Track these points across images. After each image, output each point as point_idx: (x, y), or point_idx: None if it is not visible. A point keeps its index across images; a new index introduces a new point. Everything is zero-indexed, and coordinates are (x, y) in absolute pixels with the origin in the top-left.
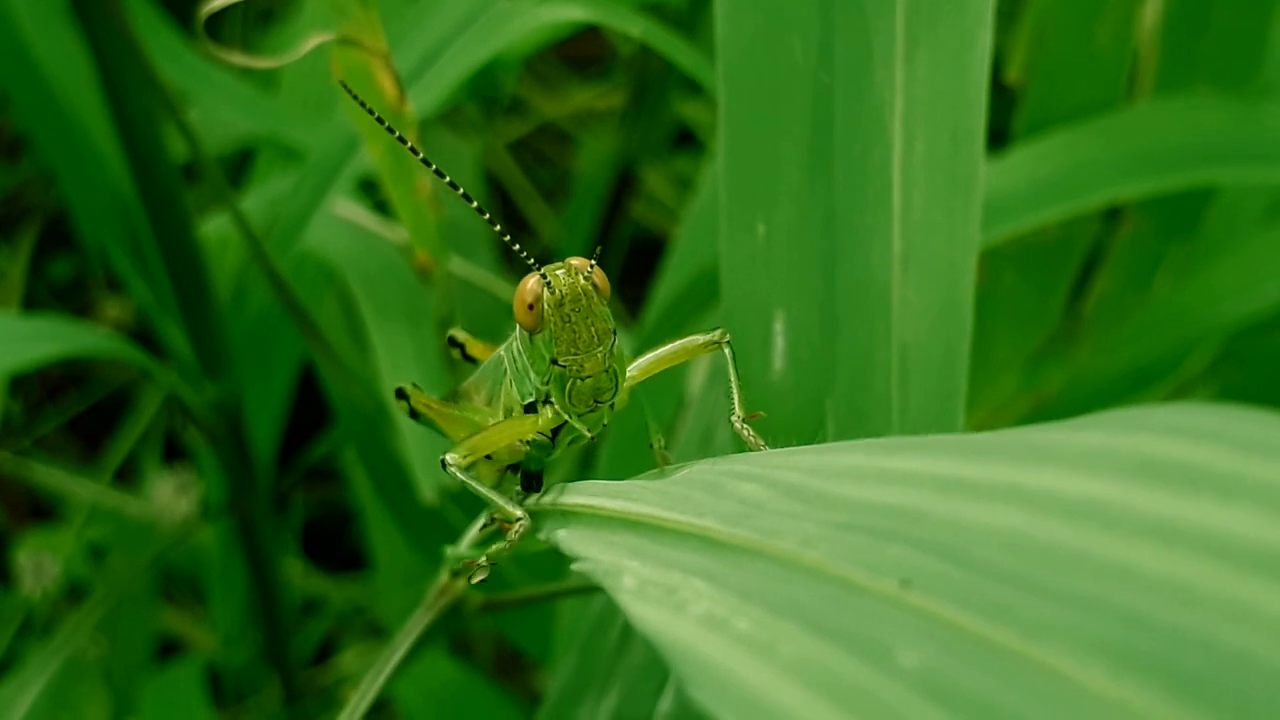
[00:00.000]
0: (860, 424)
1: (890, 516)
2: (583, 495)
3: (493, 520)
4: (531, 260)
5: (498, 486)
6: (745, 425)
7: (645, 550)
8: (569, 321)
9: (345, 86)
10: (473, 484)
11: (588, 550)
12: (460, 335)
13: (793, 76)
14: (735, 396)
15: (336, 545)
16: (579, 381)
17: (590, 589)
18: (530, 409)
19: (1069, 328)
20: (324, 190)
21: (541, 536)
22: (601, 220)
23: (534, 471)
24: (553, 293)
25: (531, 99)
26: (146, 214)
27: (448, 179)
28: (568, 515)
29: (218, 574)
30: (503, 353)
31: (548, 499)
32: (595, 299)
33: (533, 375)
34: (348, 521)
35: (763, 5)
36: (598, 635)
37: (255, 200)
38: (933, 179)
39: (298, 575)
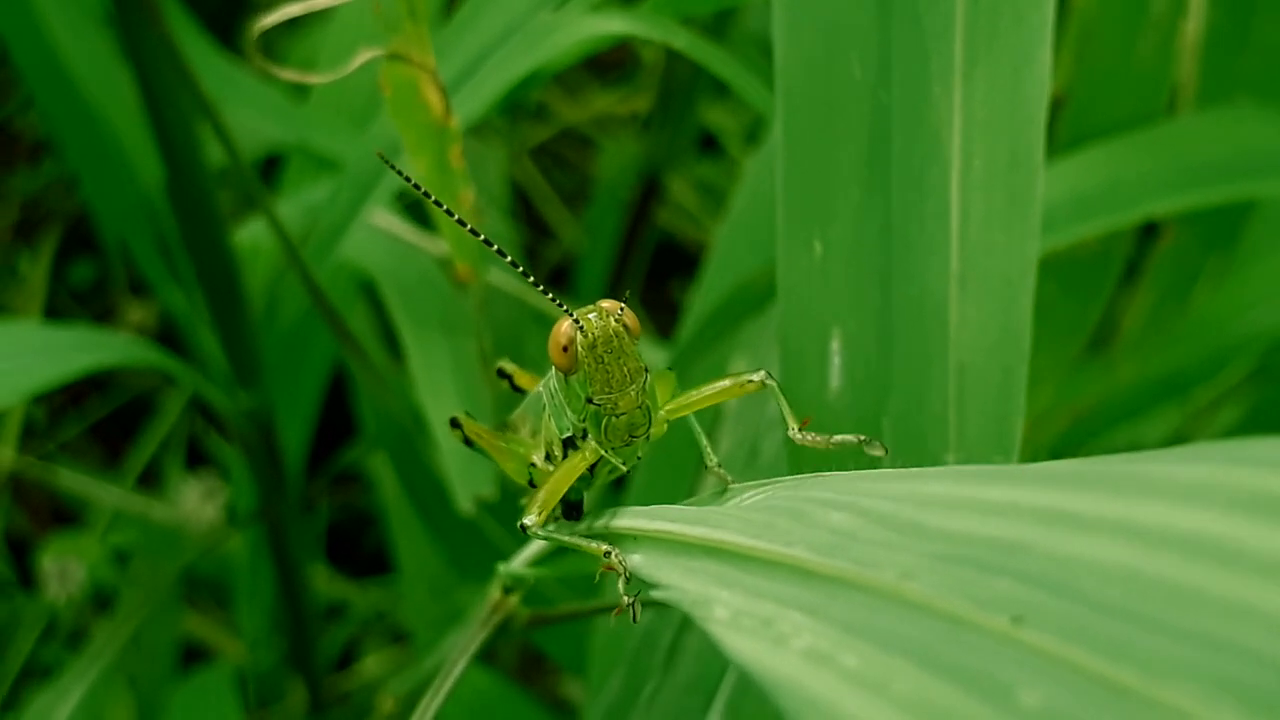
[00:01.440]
0: (917, 445)
1: (993, 549)
2: (649, 519)
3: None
4: (564, 306)
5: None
6: (805, 434)
7: (732, 579)
8: (602, 363)
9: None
10: (555, 537)
11: (668, 577)
12: (509, 367)
13: (851, 94)
14: (788, 415)
15: (357, 548)
16: (614, 419)
17: (649, 602)
18: (569, 443)
19: (1107, 340)
20: (362, 200)
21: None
22: (626, 226)
23: (574, 501)
24: (585, 336)
25: (553, 104)
26: (179, 219)
27: (482, 237)
28: (639, 540)
29: (245, 580)
30: (541, 389)
31: (601, 522)
32: (626, 340)
33: (569, 413)
34: (368, 524)
35: (822, 23)
36: (644, 652)
37: (290, 208)
38: (991, 197)
39: (322, 580)
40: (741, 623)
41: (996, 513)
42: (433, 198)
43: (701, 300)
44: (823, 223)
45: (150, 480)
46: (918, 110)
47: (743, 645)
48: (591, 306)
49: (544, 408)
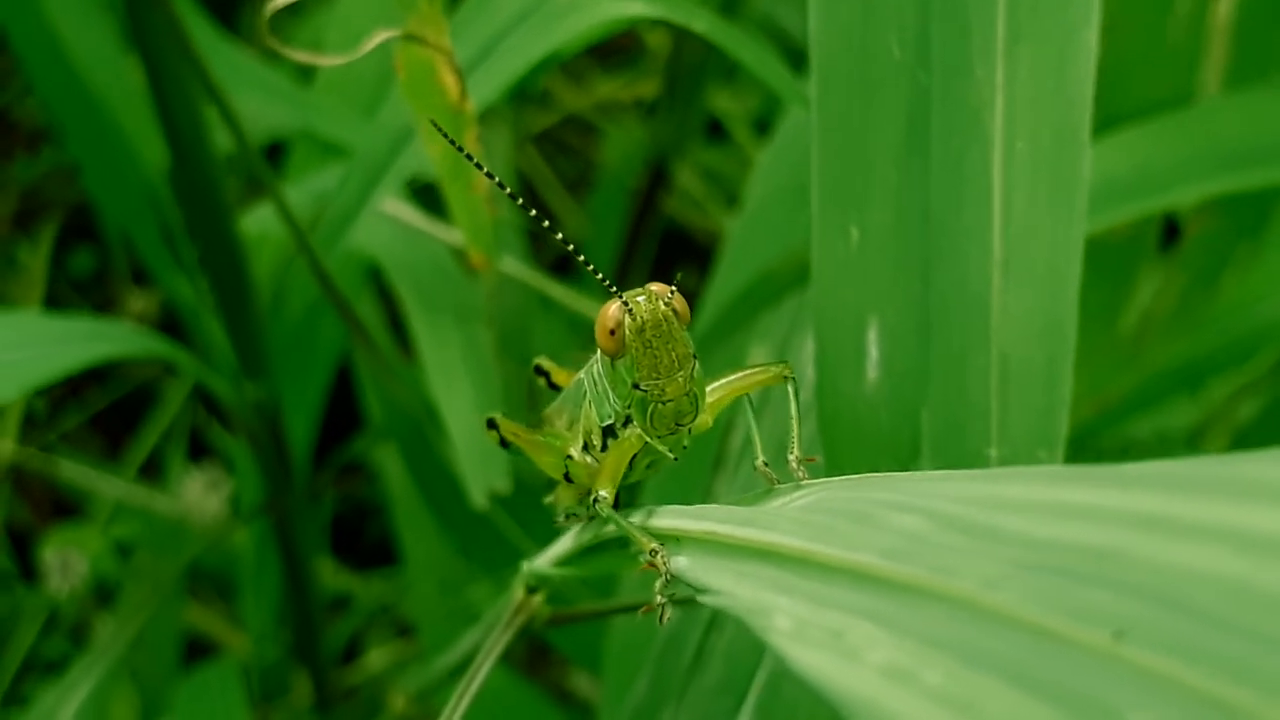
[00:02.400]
0: (957, 438)
1: (1083, 556)
2: (694, 520)
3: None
4: (614, 287)
5: (577, 509)
6: (802, 466)
7: (791, 585)
8: (650, 347)
9: (436, 125)
10: (618, 519)
11: (720, 582)
12: (546, 364)
13: (888, 75)
14: (795, 434)
15: (359, 538)
16: (660, 405)
17: (680, 601)
18: (609, 432)
19: (1135, 327)
20: (373, 186)
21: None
22: (632, 214)
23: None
24: (634, 319)
25: (557, 90)
26: (184, 207)
27: (533, 211)
28: (682, 541)
29: (251, 573)
30: (583, 376)
31: (635, 519)
32: (676, 324)
33: (614, 399)
34: (371, 514)
35: (859, 1)
36: (671, 652)
37: (298, 194)
38: (1035, 181)
39: (327, 572)
40: (808, 634)
41: (1082, 517)
42: (496, 179)
43: (718, 291)
44: (859, 208)
45: (152, 471)
46: (958, 90)
47: (812, 660)
48: (640, 289)
49: (584, 396)
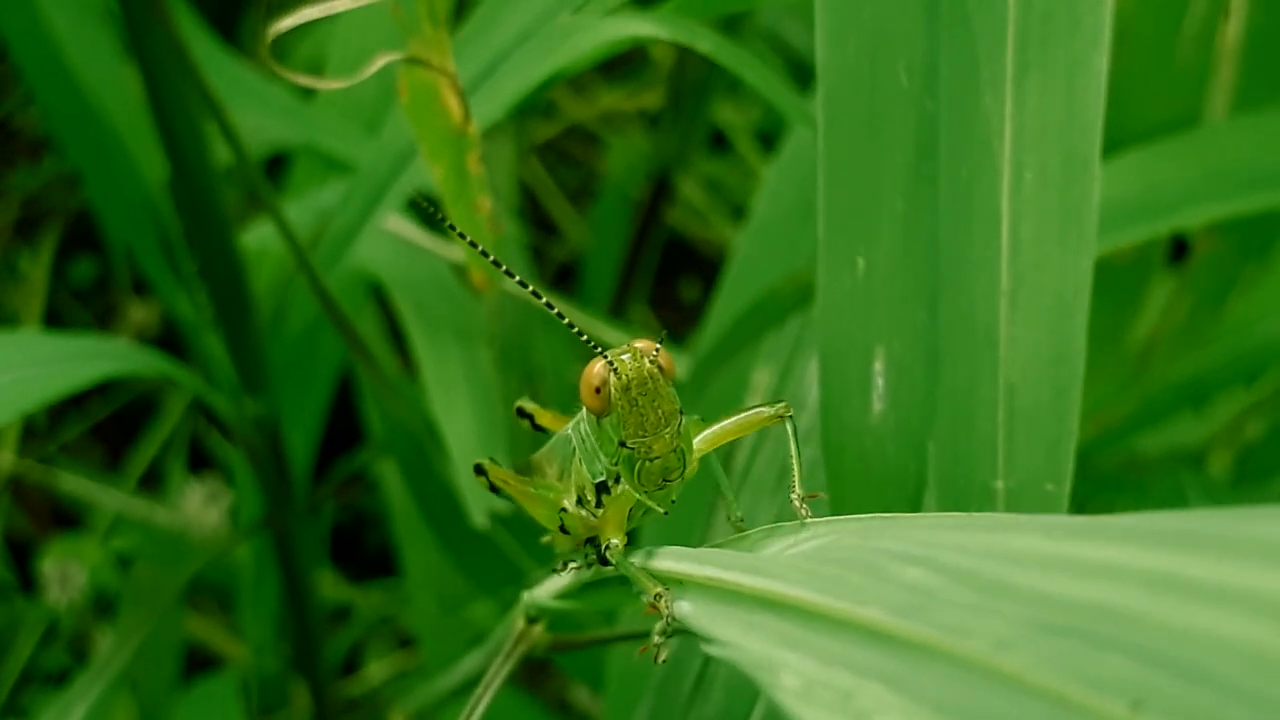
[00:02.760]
0: (964, 469)
1: (1099, 618)
2: (696, 564)
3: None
4: (596, 347)
5: (574, 556)
6: (804, 505)
7: (799, 640)
8: (636, 405)
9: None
10: (628, 566)
11: (725, 632)
12: (529, 406)
13: (896, 102)
14: (796, 472)
15: (359, 547)
16: (648, 462)
17: (673, 633)
18: (602, 488)
19: (1141, 346)
20: (375, 204)
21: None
22: (635, 225)
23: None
24: (619, 377)
25: (560, 101)
26: (184, 220)
27: (518, 278)
28: (685, 585)
29: (250, 587)
30: (570, 431)
31: (635, 560)
32: (661, 381)
33: (602, 457)
34: (371, 524)
35: (867, 28)
36: (671, 682)
37: (299, 211)
38: (1043, 210)
39: (327, 583)
40: (817, 694)
41: (1099, 574)
42: (476, 244)
43: (721, 310)
44: (866, 238)
45: (152, 482)
46: (966, 119)
47: None
48: (625, 346)
49: (573, 451)
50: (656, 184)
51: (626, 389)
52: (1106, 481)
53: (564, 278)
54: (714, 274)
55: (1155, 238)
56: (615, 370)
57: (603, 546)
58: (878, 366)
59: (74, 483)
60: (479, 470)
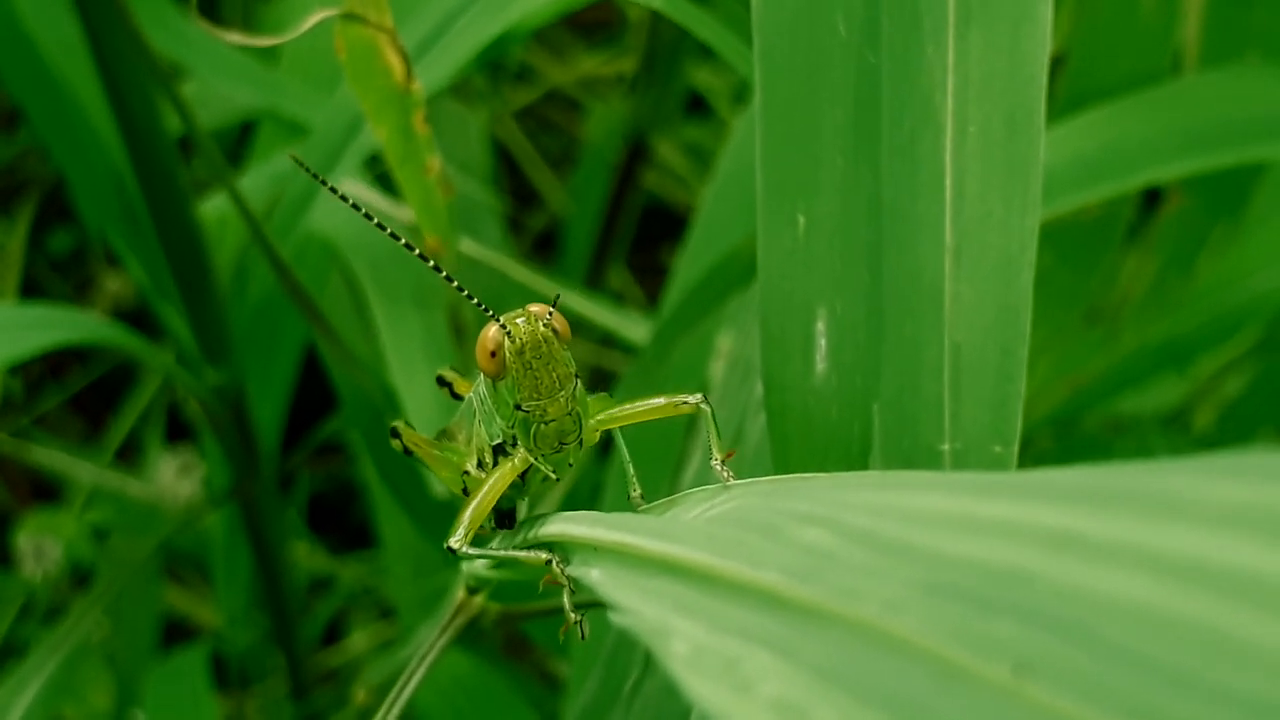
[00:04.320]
0: (909, 430)
1: (992, 579)
2: (607, 529)
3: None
4: (489, 310)
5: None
6: (726, 469)
7: (695, 606)
8: (530, 368)
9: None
10: (486, 553)
11: (627, 599)
12: (449, 375)
13: (835, 55)
14: (714, 443)
15: (343, 519)
16: (543, 425)
17: (600, 605)
18: (499, 450)
19: (1108, 310)
20: (328, 169)
21: (572, 572)
22: (613, 190)
23: (506, 510)
24: (513, 341)
25: (538, 65)
26: (142, 192)
27: (404, 240)
28: (599, 552)
29: (222, 559)
30: (471, 395)
31: (553, 528)
32: (555, 344)
33: (499, 420)
34: (354, 495)
35: None
36: (621, 650)
37: (256, 178)
38: (987, 165)
39: (304, 555)
40: (704, 661)
41: (996, 533)
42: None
43: (685, 272)
44: (806, 195)
45: (130, 453)
46: (908, 72)
47: (705, 691)
48: (520, 311)
49: (475, 415)
50: (632, 148)
51: (521, 352)
52: (1089, 444)
53: (544, 244)
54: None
55: (1122, 194)
56: (509, 334)
57: (445, 546)
58: (820, 326)
59: (49, 456)
60: (394, 433)
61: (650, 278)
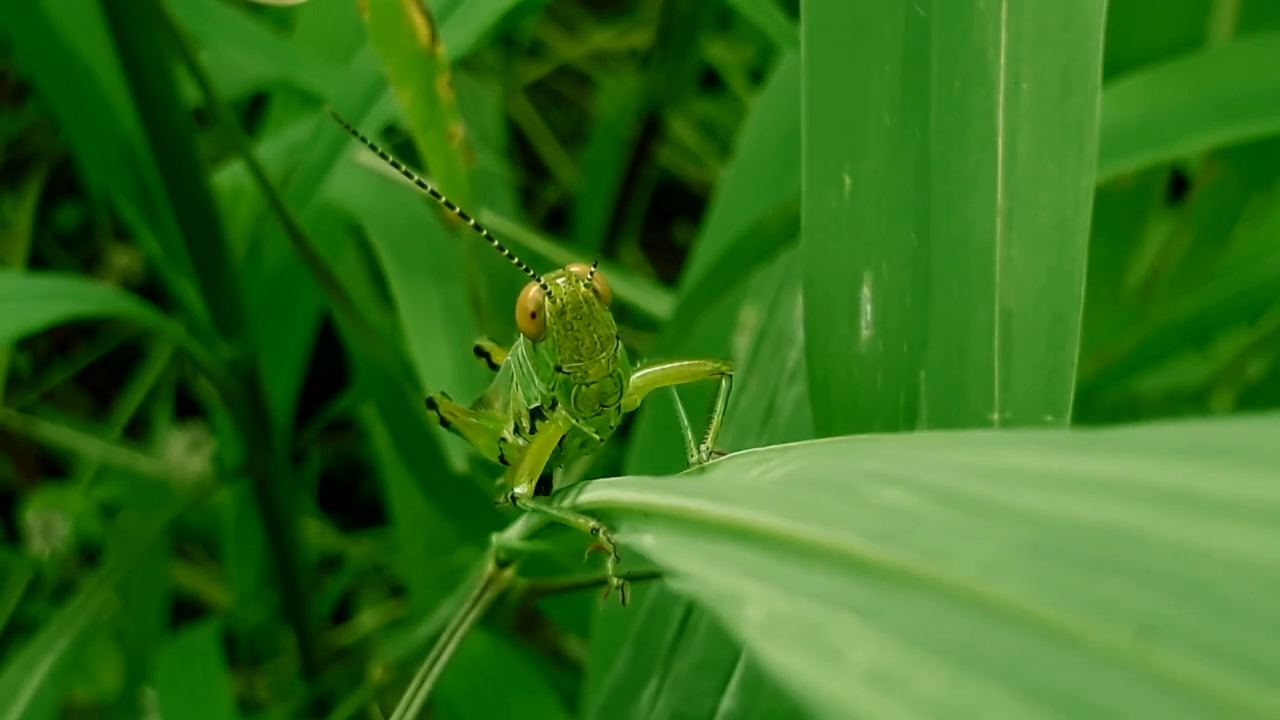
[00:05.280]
0: (957, 399)
1: (1099, 539)
2: (662, 494)
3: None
4: (530, 270)
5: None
6: (713, 455)
7: (766, 570)
8: (571, 329)
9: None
10: (545, 509)
11: (688, 564)
12: (486, 345)
13: (883, 9)
14: (713, 428)
15: (352, 496)
16: (584, 387)
17: (642, 576)
18: (537, 414)
19: (1141, 281)
20: (345, 138)
21: (621, 539)
22: (626, 166)
23: (544, 475)
24: (554, 301)
25: (550, 40)
26: (156, 162)
27: (430, 188)
28: (650, 517)
29: (233, 536)
30: (510, 359)
31: (598, 495)
32: (597, 305)
33: (538, 382)
34: (363, 472)
35: None
36: (652, 628)
37: (271, 148)
38: (1041, 124)
39: (314, 533)
40: (782, 628)
41: (1097, 491)
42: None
43: (708, 245)
44: (853, 155)
45: (139, 429)
46: (959, 26)
47: (787, 660)
48: (560, 271)
49: (512, 378)
50: (646, 123)
51: (562, 313)
52: (1108, 422)
53: (556, 220)
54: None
55: (1157, 164)
56: (550, 294)
57: (508, 494)
58: (865, 291)
59: (56, 432)
60: (430, 404)
61: (661, 254)
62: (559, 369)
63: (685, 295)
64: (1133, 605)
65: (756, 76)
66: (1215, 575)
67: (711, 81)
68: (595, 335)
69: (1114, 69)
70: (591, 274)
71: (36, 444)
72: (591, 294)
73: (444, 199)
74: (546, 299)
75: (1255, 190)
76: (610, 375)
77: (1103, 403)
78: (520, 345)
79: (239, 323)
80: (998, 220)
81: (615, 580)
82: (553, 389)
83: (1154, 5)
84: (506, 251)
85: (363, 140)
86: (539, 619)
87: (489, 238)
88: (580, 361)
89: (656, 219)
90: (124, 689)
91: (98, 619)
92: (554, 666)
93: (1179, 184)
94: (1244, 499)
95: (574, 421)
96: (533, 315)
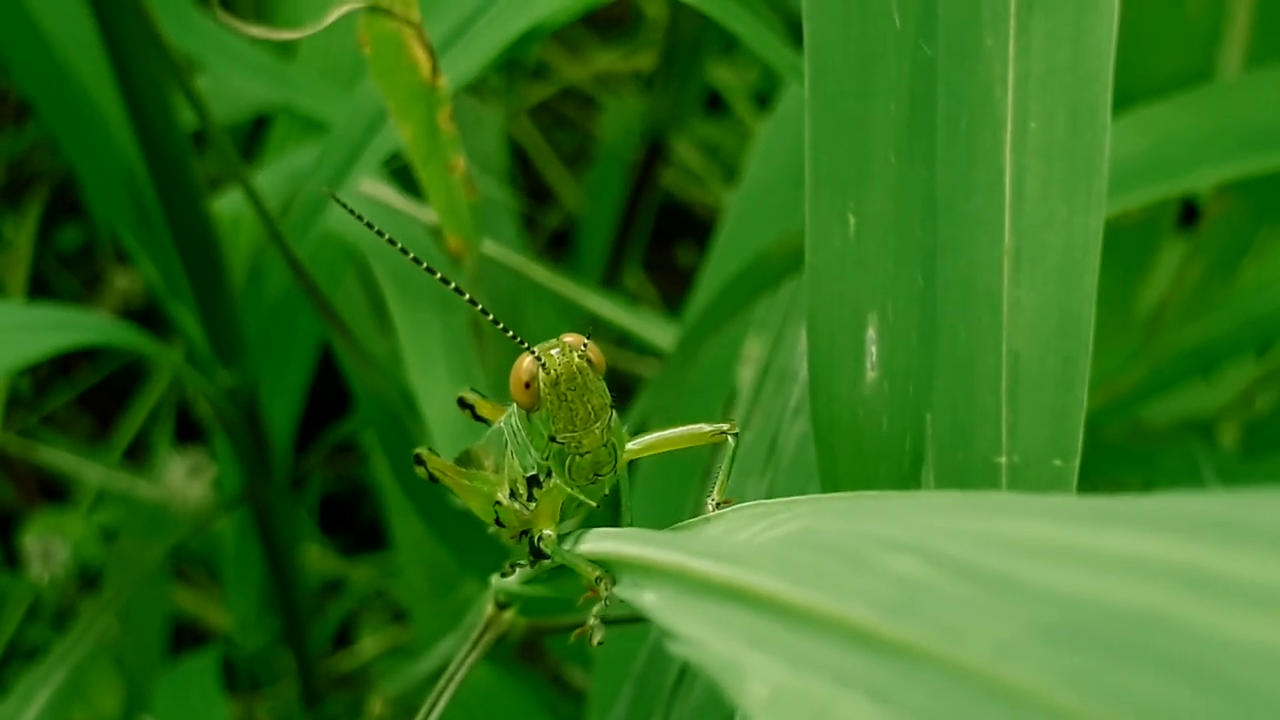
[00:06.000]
0: (964, 443)
1: (1117, 621)
2: (662, 549)
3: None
4: (523, 342)
5: (520, 557)
6: (719, 508)
7: (770, 639)
8: (565, 400)
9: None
10: (564, 553)
11: (690, 628)
12: (470, 397)
13: (889, 47)
14: (719, 483)
15: (354, 517)
16: (578, 457)
17: (622, 620)
18: (534, 481)
19: (1150, 313)
20: (348, 168)
21: (621, 593)
22: (629, 188)
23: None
24: (548, 372)
25: (553, 61)
26: (156, 189)
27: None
28: (651, 573)
29: (233, 562)
30: (503, 425)
31: (603, 545)
32: (590, 376)
33: (533, 451)
34: (365, 493)
35: None
36: (653, 669)
37: (272, 175)
38: (1049, 163)
39: (316, 557)
40: (787, 705)
41: (1118, 568)
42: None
43: (712, 274)
44: (857, 194)
45: (139, 453)
46: (966, 64)
47: None
48: (554, 341)
49: (506, 444)
50: (650, 145)
51: (555, 384)
52: (1114, 452)
53: (559, 243)
54: (710, 240)
55: (1166, 198)
56: (544, 365)
57: (535, 538)
58: (870, 333)
59: (56, 455)
60: (418, 460)
61: (665, 276)
62: (553, 439)
63: (689, 326)
64: (1151, 695)
65: (761, 100)
66: (1238, 665)
67: (715, 104)
68: (589, 405)
69: (1122, 99)
70: (585, 344)
71: (36, 467)
72: (585, 365)
73: (439, 276)
74: (540, 370)
75: (1264, 222)
76: (604, 445)
77: (1110, 433)
78: (514, 414)
79: (239, 351)
80: (1005, 261)
81: (592, 621)
82: (547, 458)
83: (1162, 36)
84: (501, 325)
85: (352, 212)
86: (541, 645)
87: (485, 312)
88: (574, 432)
89: (660, 241)
90: (123, 715)
91: (98, 646)
92: (556, 693)
93: (1189, 209)
94: (1271, 582)
95: (568, 491)
96: (527, 385)
